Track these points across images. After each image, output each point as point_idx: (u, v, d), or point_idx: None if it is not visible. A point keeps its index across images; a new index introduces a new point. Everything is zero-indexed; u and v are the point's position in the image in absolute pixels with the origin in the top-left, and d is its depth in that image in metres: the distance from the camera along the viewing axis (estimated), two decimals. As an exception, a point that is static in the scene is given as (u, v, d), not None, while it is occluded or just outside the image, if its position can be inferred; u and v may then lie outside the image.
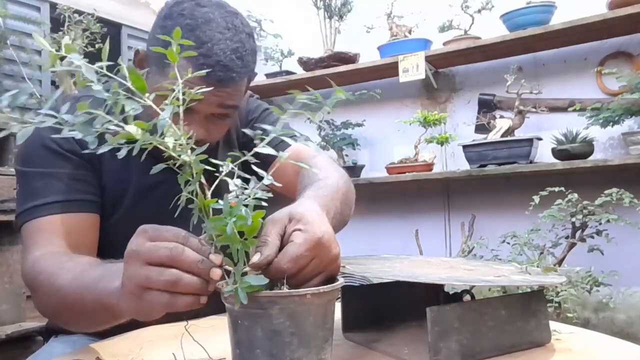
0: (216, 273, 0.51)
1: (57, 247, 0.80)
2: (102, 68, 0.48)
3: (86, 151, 0.49)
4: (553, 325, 0.72)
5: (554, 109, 2.25)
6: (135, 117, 0.49)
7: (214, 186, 0.53)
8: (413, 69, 2.36)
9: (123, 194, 0.92)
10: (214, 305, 0.89)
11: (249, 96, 1.11)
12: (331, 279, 0.57)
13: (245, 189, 0.53)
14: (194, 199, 0.51)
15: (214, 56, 0.80)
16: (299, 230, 0.56)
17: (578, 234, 1.85)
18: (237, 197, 0.53)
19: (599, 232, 1.80)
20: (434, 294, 0.76)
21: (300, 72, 2.75)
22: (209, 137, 0.86)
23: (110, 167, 0.91)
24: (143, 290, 0.53)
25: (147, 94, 0.50)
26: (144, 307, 0.54)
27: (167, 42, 0.82)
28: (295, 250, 0.54)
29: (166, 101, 0.51)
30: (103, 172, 0.90)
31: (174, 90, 0.52)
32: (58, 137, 0.88)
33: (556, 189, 1.80)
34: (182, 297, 0.53)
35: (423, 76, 2.35)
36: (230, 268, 0.52)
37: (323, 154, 1.03)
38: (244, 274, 0.50)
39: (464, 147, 2.27)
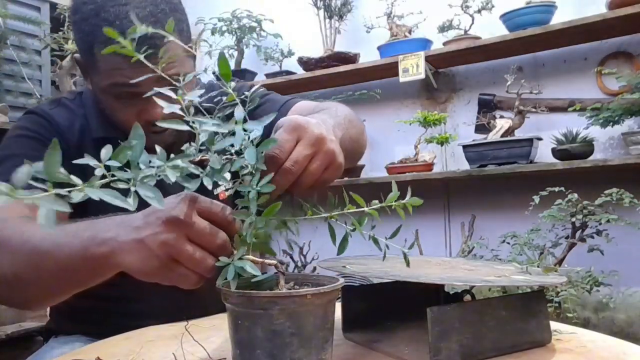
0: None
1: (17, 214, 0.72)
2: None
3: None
4: (554, 325, 0.72)
5: (554, 109, 2.25)
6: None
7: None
8: (413, 69, 2.36)
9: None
10: (214, 305, 0.90)
11: (249, 87, 1.11)
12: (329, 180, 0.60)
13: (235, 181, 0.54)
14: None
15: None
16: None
17: (578, 234, 1.85)
18: (226, 189, 0.54)
19: (599, 232, 1.80)
20: (435, 294, 0.76)
21: (300, 72, 2.75)
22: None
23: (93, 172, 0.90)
24: (173, 262, 0.52)
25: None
26: (161, 273, 0.53)
27: (83, 38, 0.82)
28: (297, 151, 0.57)
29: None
30: (87, 174, 0.89)
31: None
32: (40, 127, 0.89)
33: (556, 189, 1.80)
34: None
35: (423, 76, 2.35)
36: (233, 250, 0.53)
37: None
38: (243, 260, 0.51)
39: (464, 147, 2.27)
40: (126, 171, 0.43)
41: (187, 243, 0.52)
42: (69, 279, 0.64)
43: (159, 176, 0.45)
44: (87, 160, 0.42)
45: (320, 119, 0.64)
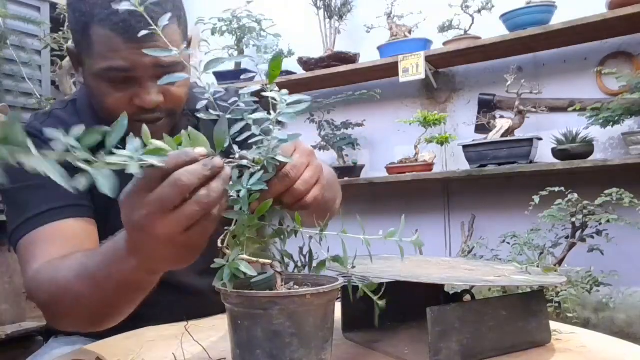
0: (218, 162, 0.50)
1: (54, 255, 0.75)
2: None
3: None
4: (553, 325, 0.72)
5: (554, 109, 2.25)
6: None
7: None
8: (413, 69, 2.36)
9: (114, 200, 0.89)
10: (214, 306, 0.90)
11: (225, 89, 1.11)
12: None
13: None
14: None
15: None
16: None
17: (578, 234, 1.85)
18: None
19: (599, 232, 1.80)
20: (435, 294, 0.76)
21: (300, 72, 2.75)
22: (167, 102, 0.83)
23: None
24: (182, 234, 0.50)
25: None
26: (189, 245, 0.52)
27: (79, 18, 0.81)
28: (295, 157, 0.57)
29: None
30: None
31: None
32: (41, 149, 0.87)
33: (556, 189, 1.80)
34: (217, 207, 0.51)
35: (423, 76, 2.35)
36: (227, 251, 0.52)
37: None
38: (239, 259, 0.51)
39: (464, 147, 2.27)
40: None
41: (172, 214, 0.49)
42: (123, 298, 0.65)
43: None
44: (52, 133, 0.41)
45: None
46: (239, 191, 0.52)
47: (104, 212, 0.87)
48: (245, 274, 0.50)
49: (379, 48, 2.55)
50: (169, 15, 0.84)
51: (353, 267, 0.57)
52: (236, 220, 0.53)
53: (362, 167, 2.68)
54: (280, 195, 0.56)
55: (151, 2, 0.79)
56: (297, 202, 0.58)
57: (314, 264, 0.59)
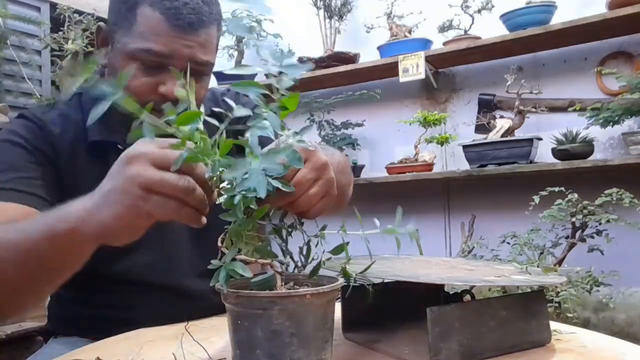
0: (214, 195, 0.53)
1: None
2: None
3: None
4: (553, 325, 0.72)
5: (554, 109, 2.25)
6: None
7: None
8: (413, 69, 2.36)
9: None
10: (213, 310, 0.90)
11: (227, 90, 1.11)
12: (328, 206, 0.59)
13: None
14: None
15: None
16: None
17: (578, 234, 1.85)
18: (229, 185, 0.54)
19: (599, 232, 1.80)
20: (435, 294, 0.76)
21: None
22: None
23: (88, 179, 0.71)
24: (149, 192, 0.51)
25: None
26: (136, 209, 0.51)
27: (133, 2, 0.82)
28: (302, 172, 0.56)
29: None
30: (78, 186, 0.70)
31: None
32: (30, 134, 0.85)
33: (556, 189, 1.80)
34: (188, 208, 0.52)
35: (423, 76, 2.35)
36: (226, 250, 0.52)
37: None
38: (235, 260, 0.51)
39: (464, 147, 2.27)
40: None
41: (154, 169, 0.51)
42: (36, 265, 0.61)
43: None
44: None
45: None
46: (234, 196, 0.51)
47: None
48: (241, 275, 0.50)
49: (379, 48, 2.55)
50: (217, 17, 0.86)
51: (350, 258, 0.56)
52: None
53: (362, 167, 2.68)
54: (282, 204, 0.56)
55: (202, 1, 0.82)
56: (300, 213, 0.58)
57: (311, 264, 0.59)
